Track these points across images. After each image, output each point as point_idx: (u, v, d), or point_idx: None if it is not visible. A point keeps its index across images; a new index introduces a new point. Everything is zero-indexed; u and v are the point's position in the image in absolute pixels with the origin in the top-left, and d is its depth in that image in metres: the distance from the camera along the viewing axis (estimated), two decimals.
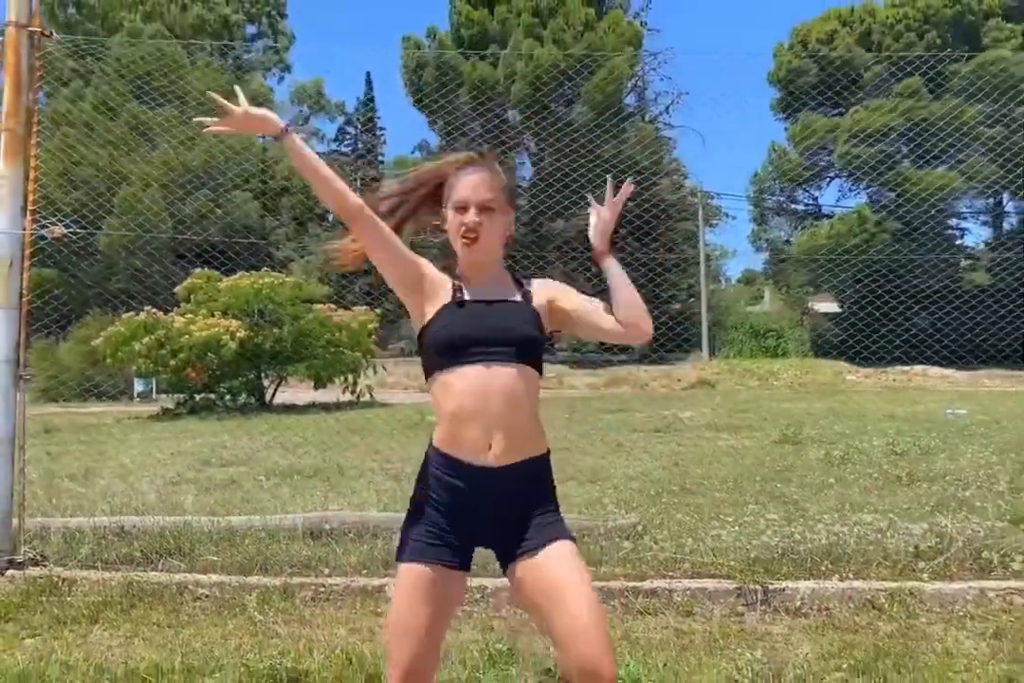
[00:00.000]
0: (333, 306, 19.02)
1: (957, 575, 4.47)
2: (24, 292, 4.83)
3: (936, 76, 25.46)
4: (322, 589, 4.46)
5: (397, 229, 2.41)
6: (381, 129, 48.39)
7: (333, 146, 48.92)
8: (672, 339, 25.84)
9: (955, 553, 4.62)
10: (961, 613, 4.11)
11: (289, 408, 17.48)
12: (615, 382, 24.72)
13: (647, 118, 35.47)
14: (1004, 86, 21.16)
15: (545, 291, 2.41)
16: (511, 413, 2.22)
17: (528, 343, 2.27)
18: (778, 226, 38.22)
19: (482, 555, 2.40)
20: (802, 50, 34.35)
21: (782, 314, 36.86)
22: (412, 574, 2.25)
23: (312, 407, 17.39)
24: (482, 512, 2.26)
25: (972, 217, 35.12)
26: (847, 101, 30.50)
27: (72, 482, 7.74)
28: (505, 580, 3.77)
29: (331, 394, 18.50)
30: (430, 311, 2.31)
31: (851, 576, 4.45)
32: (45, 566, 4.75)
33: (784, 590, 4.28)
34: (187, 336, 16.46)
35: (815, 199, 37.62)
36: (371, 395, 18.35)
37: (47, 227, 4.88)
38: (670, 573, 4.53)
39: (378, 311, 19.53)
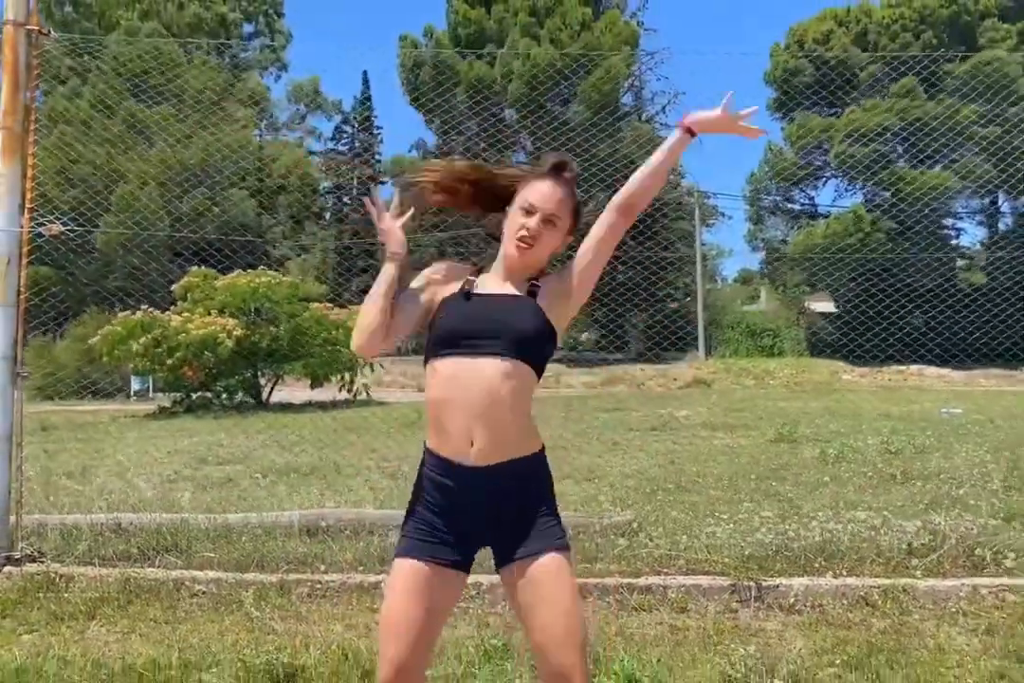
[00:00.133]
0: (329, 304, 19.03)
1: (950, 572, 4.49)
2: (22, 290, 4.85)
3: (931, 75, 25.52)
4: (318, 586, 4.48)
5: (438, 202, 2.44)
6: (378, 128, 48.31)
7: (330, 145, 48.93)
8: (668, 337, 25.88)
9: (948, 550, 4.65)
10: (954, 609, 4.14)
11: (286, 407, 17.49)
12: (611, 381, 24.73)
13: (643, 118, 35.50)
14: (998, 86, 21.23)
15: (556, 275, 2.40)
16: (493, 408, 2.20)
17: (520, 337, 2.25)
18: (774, 226, 38.26)
19: (478, 553, 2.41)
20: (798, 50, 34.37)
21: (778, 313, 36.90)
22: (404, 570, 2.26)
23: (309, 406, 17.40)
24: (474, 512, 2.27)
25: (968, 217, 35.18)
26: (843, 100, 30.55)
27: (69, 479, 7.75)
28: (500, 578, 3.78)
29: (328, 393, 18.50)
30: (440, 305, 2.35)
31: (845, 573, 4.47)
32: (42, 563, 4.77)
33: (778, 587, 4.31)
34: (184, 334, 16.46)
35: (811, 199, 37.69)
36: (368, 394, 18.34)
37: (44, 225, 4.89)
38: (665, 570, 4.56)
39: None
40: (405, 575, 2.26)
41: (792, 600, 4.24)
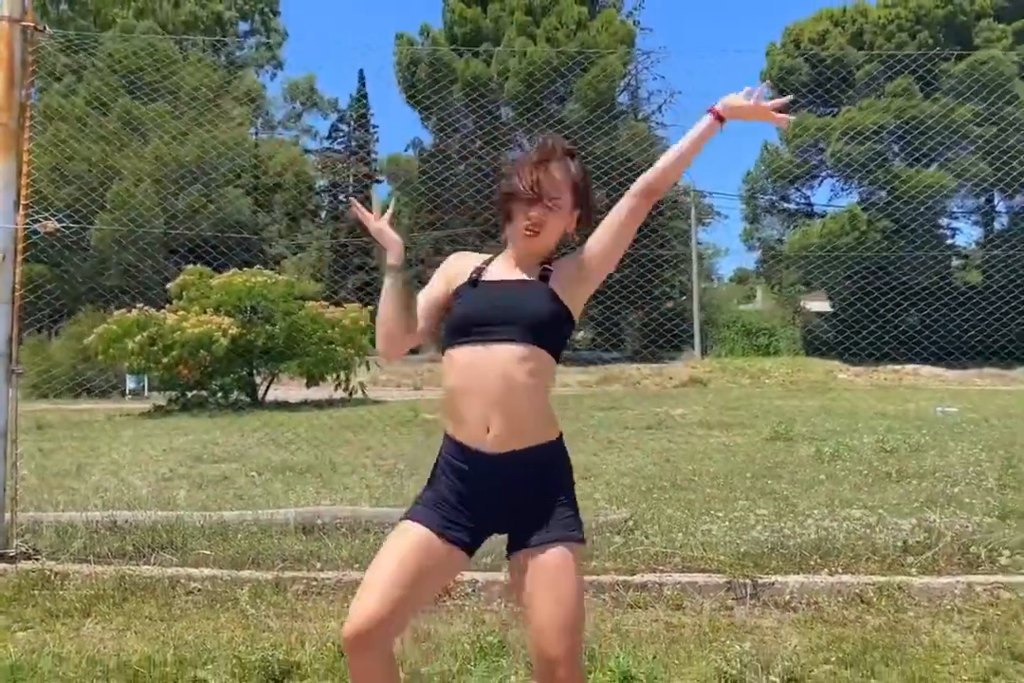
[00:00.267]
0: (325, 303, 19.03)
1: (945, 570, 4.50)
2: (16, 287, 4.83)
3: (927, 74, 25.55)
4: (314, 583, 4.47)
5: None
6: (374, 126, 48.32)
7: (326, 143, 48.92)
8: (664, 336, 25.89)
9: (943, 548, 4.66)
10: (949, 607, 4.14)
11: (281, 405, 17.48)
12: (607, 380, 24.74)
13: (639, 117, 35.51)
14: (994, 84, 21.24)
15: (571, 258, 2.38)
16: (508, 394, 2.19)
17: (539, 322, 2.23)
18: (770, 225, 38.27)
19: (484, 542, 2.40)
20: (794, 50, 34.39)
21: (774, 313, 36.97)
22: (408, 530, 2.25)
23: (304, 404, 17.39)
24: (490, 499, 2.26)
25: (963, 216, 35.23)
26: (839, 99, 30.57)
27: (64, 477, 7.74)
28: (495, 574, 3.79)
29: (323, 391, 18.49)
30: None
31: (840, 570, 4.48)
32: (37, 560, 4.76)
33: (773, 584, 4.31)
34: (179, 333, 16.45)
35: (807, 198, 37.72)
36: (364, 392, 18.34)
37: (40, 222, 4.88)
38: (660, 567, 4.56)
39: (370, 308, 19.53)
40: (408, 535, 2.24)
41: (788, 597, 4.24)
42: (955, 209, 34.10)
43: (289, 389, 19.69)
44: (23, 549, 4.83)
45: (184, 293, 17.91)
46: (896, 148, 30.16)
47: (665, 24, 69.44)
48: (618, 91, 33.12)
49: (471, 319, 2.24)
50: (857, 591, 4.25)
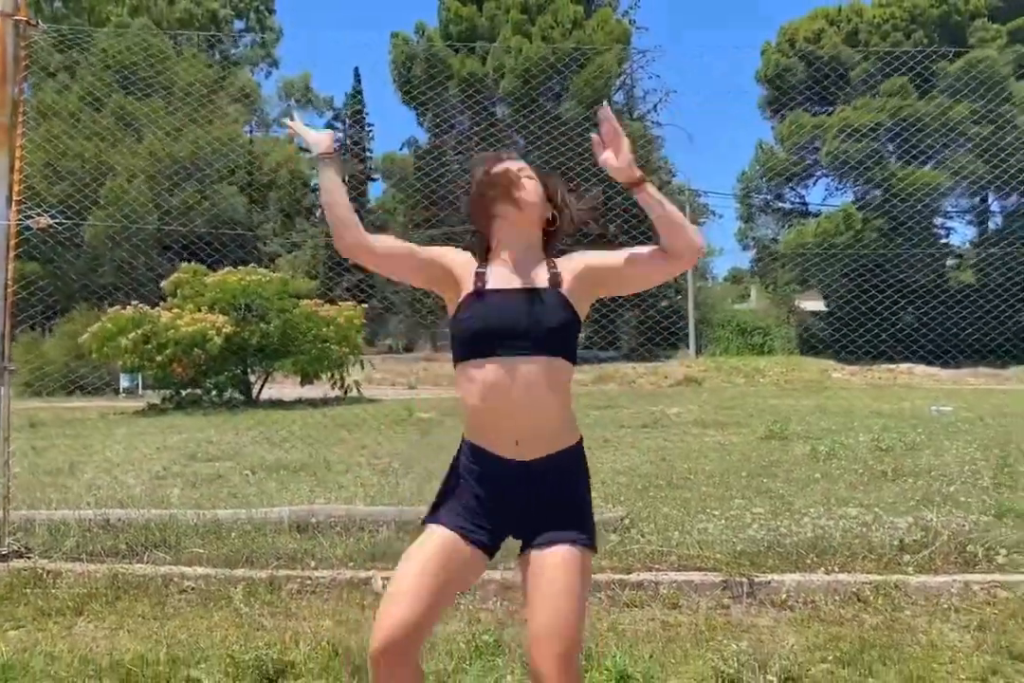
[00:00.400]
0: (320, 301, 18.99)
1: (942, 568, 4.49)
2: (9, 283, 4.80)
3: (922, 73, 25.53)
4: (308, 582, 4.45)
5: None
6: (369, 125, 48.25)
7: None
8: (659, 335, 25.89)
9: (940, 547, 4.65)
10: (946, 606, 4.13)
11: (276, 404, 17.45)
12: (602, 379, 24.72)
13: (635, 116, 35.49)
14: (990, 82, 21.25)
15: (574, 263, 2.33)
16: (536, 409, 2.18)
17: (556, 333, 2.20)
18: (765, 224, 38.29)
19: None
20: (790, 49, 34.41)
21: (768, 312, 36.98)
22: (432, 535, 2.23)
23: (299, 403, 17.36)
24: (511, 501, 2.24)
25: (958, 216, 35.28)
26: (835, 95, 30.58)
27: (57, 476, 7.70)
28: (491, 573, 3.77)
29: (318, 390, 18.46)
30: (458, 299, 2.28)
31: (836, 569, 4.47)
32: (30, 558, 4.73)
33: (770, 583, 4.30)
34: (173, 331, 16.40)
35: (802, 197, 37.73)
36: (359, 391, 18.31)
37: (32, 218, 4.85)
38: (656, 566, 4.54)
39: (364, 306, 19.51)
40: (432, 538, 2.22)
41: (784, 596, 4.23)
42: (949, 208, 34.18)
43: (283, 387, 19.65)
44: (15, 547, 4.80)
45: (178, 291, 17.86)
46: (891, 147, 30.18)
47: (661, 23, 69.49)
48: (613, 90, 33.10)
49: (487, 334, 2.18)
50: (854, 590, 4.24)
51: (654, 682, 3.28)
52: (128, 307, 16.71)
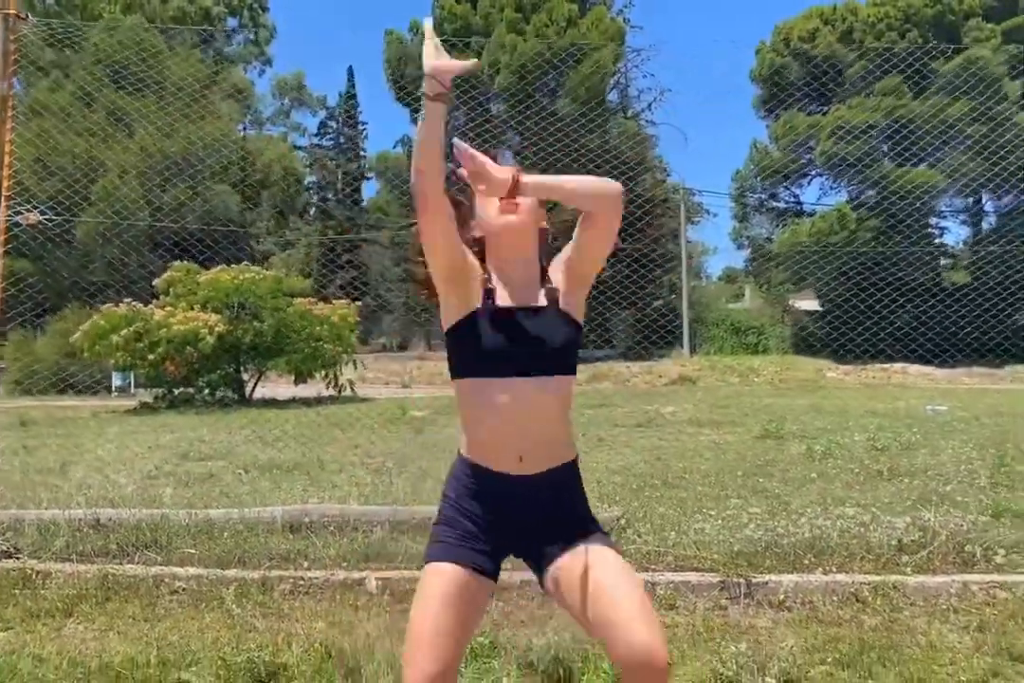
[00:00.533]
0: (314, 299, 18.93)
1: (940, 569, 4.46)
2: None
3: (917, 72, 25.58)
4: (301, 582, 4.40)
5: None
6: (363, 123, 48.23)
7: (315, 140, 48.78)
8: (654, 334, 25.87)
9: (938, 547, 4.61)
10: (944, 606, 4.10)
11: (269, 402, 17.39)
12: (597, 378, 24.70)
13: (629, 114, 35.48)
14: (986, 81, 21.26)
15: (556, 264, 2.31)
16: (541, 427, 2.17)
17: (560, 352, 2.20)
18: (759, 223, 38.30)
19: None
20: (784, 48, 34.42)
21: (763, 311, 37.00)
22: (442, 574, 2.15)
23: (292, 402, 17.30)
24: (511, 519, 2.20)
25: (952, 216, 35.34)
26: (832, 92, 30.58)
27: (48, 475, 7.64)
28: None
29: (312, 389, 18.41)
30: (462, 308, 2.21)
31: (834, 569, 4.43)
32: (18, 558, 4.68)
33: (767, 583, 4.26)
34: (166, 329, 16.33)
35: (796, 196, 37.75)
36: (352, 390, 18.26)
37: (21, 214, 4.79)
38: (653, 566, 4.50)
39: (358, 304, 19.46)
40: (443, 579, 2.14)
41: (782, 597, 4.19)
42: (943, 208, 34.22)
43: (277, 386, 19.60)
44: (4, 547, 4.74)
45: (171, 289, 17.79)
46: (885, 147, 30.20)
47: (654, 22, 69.44)
48: (608, 88, 33.08)
49: (494, 354, 2.15)
50: (852, 590, 4.20)
51: None
52: (121, 305, 16.64)
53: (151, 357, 16.50)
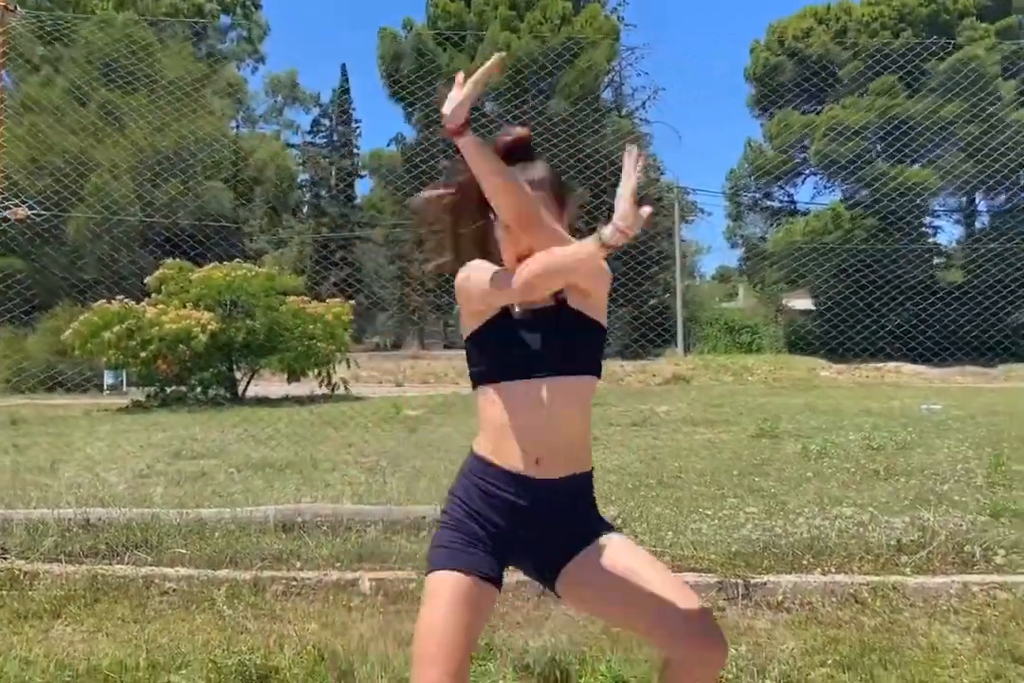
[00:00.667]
0: (307, 298, 18.87)
1: (940, 569, 4.41)
2: None
3: (912, 72, 25.56)
4: (294, 583, 4.34)
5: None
6: (356, 121, 48.10)
7: (308, 138, 48.66)
8: (650, 331, 25.82)
9: (937, 547, 4.57)
10: (945, 607, 4.05)
11: (262, 401, 17.32)
12: None
13: (623, 113, 35.47)
14: (981, 82, 21.25)
15: None
16: (561, 429, 2.12)
17: (582, 352, 2.16)
18: (753, 223, 38.35)
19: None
20: (778, 47, 34.43)
21: (756, 310, 37.04)
22: (448, 581, 2.09)
23: (285, 400, 17.23)
24: (522, 525, 2.15)
25: (945, 215, 35.41)
26: (826, 92, 30.56)
27: (38, 474, 7.56)
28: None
29: (305, 387, 18.35)
30: (485, 314, 2.16)
31: (833, 570, 4.39)
32: (6, 559, 4.61)
33: (766, 584, 4.21)
34: (158, 327, 16.25)
35: (790, 196, 37.79)
36: (346, 388, 18.20)
37: (10, 209, 4.72)
38: None
39: (351, 302, 19.40)
40: (450, 587, 2.08)
41: (780, 597, 4.14)
42: (937, 208, 34.28)
43: (270, 384, 19.53)
44: None
45: (163, 287, 17.70)
46: (879, 146, 30.22)
47: (649, 21, 69.40)
48: (602, 87, 33.07)
49: (519, 356, 2.11)
50: (851, 591, 4.16)
51: None
52: (113, 302, 16.56)
53: (143, 355, 16.43)
